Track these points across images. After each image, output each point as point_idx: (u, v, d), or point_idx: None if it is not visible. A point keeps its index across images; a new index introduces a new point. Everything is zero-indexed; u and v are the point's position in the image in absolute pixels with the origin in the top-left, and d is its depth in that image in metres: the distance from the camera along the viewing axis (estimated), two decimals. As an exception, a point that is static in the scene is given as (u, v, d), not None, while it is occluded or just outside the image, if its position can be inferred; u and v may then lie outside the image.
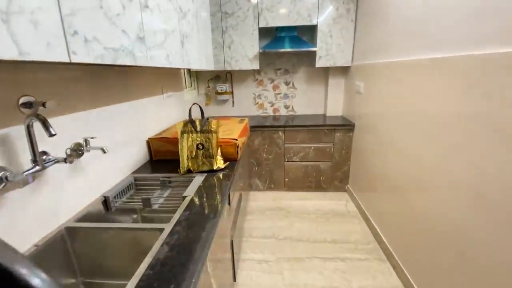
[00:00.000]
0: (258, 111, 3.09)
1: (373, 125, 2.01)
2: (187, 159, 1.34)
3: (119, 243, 0.92)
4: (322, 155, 2.59)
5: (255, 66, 2.60)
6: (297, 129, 2.53)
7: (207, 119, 1.37)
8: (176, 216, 0.95)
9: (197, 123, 1.36)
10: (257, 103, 3.06)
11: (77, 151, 0.99)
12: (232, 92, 3.00)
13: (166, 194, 1.30)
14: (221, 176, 1.32)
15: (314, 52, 2.57)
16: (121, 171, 1.30)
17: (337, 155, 2.59)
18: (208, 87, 2.97)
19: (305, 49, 2.48)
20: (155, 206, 1.19)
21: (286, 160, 2.64)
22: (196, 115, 1.61)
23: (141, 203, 1.16)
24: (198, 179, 1.28)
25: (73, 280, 0.92)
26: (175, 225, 0.90)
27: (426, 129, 1.35)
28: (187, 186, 1.22)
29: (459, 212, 1.12)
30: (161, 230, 0.89)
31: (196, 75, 2.92)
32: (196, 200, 1.08)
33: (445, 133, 1.21)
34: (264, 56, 2.90)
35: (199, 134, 1.35)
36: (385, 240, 1.82)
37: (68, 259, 0.91)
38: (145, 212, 1.22)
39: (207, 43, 1.95)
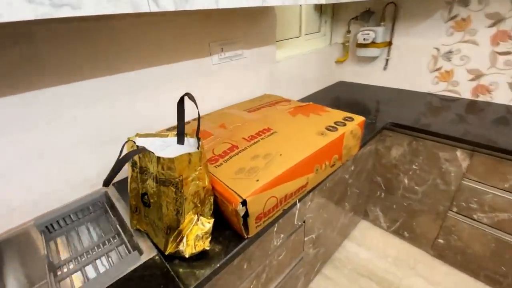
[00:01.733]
0: (436, 85, 1.55)
1: None
2: (131, 210, 0.69)
3: None
4: None
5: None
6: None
7: (144, 152, 0.57)
8: None
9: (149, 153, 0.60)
10: (438, 69, 1.50)
11: None
12: (389, 43, 1.62)
13: (109, 252, 0.78)
14: (180, 279, 0.58)
15: None
16: (84, 183, 0.89)
17: None
18: (349, 32, 1.76)
19: None
20: (62, 275, 0.72)
21: (454, 210, 1.23)
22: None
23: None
24: (127, 263, 0.63)
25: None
26: None
27: None
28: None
29: None
30: None
31: (331, 11, 1.78)
32: None
33: None
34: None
35: (147, 176, 0.61)
36: None
37: None
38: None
39: None
